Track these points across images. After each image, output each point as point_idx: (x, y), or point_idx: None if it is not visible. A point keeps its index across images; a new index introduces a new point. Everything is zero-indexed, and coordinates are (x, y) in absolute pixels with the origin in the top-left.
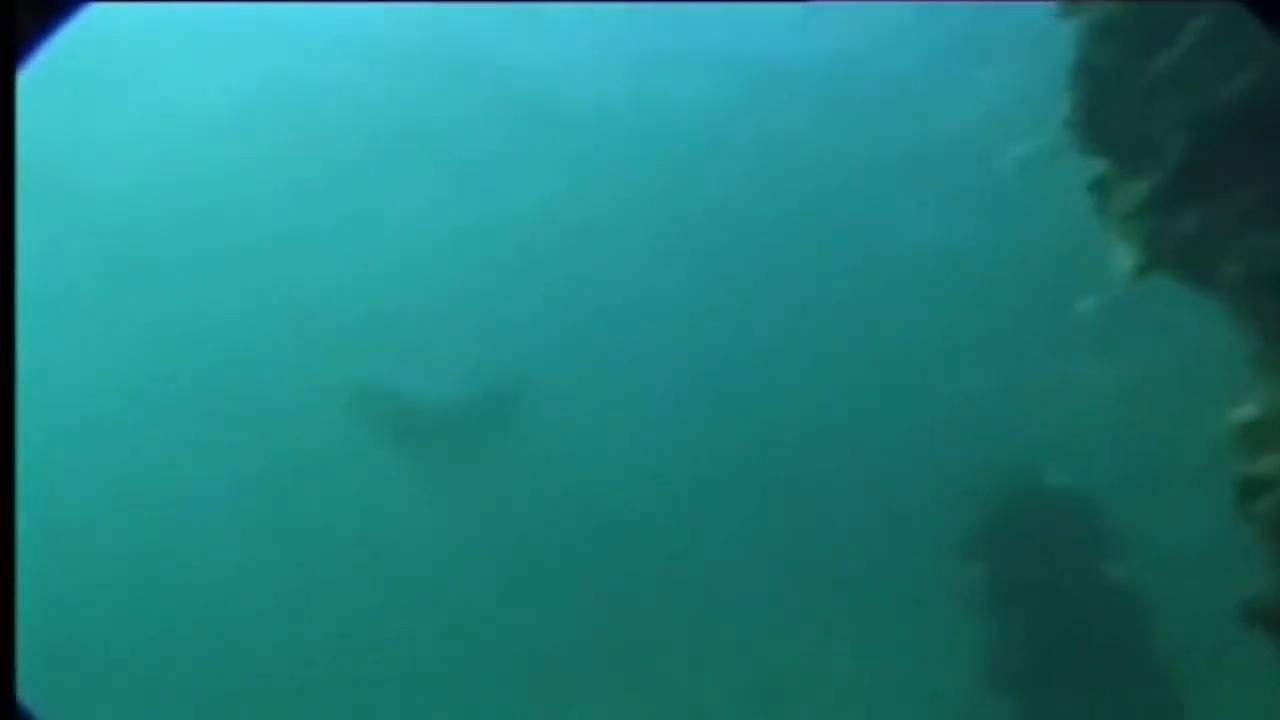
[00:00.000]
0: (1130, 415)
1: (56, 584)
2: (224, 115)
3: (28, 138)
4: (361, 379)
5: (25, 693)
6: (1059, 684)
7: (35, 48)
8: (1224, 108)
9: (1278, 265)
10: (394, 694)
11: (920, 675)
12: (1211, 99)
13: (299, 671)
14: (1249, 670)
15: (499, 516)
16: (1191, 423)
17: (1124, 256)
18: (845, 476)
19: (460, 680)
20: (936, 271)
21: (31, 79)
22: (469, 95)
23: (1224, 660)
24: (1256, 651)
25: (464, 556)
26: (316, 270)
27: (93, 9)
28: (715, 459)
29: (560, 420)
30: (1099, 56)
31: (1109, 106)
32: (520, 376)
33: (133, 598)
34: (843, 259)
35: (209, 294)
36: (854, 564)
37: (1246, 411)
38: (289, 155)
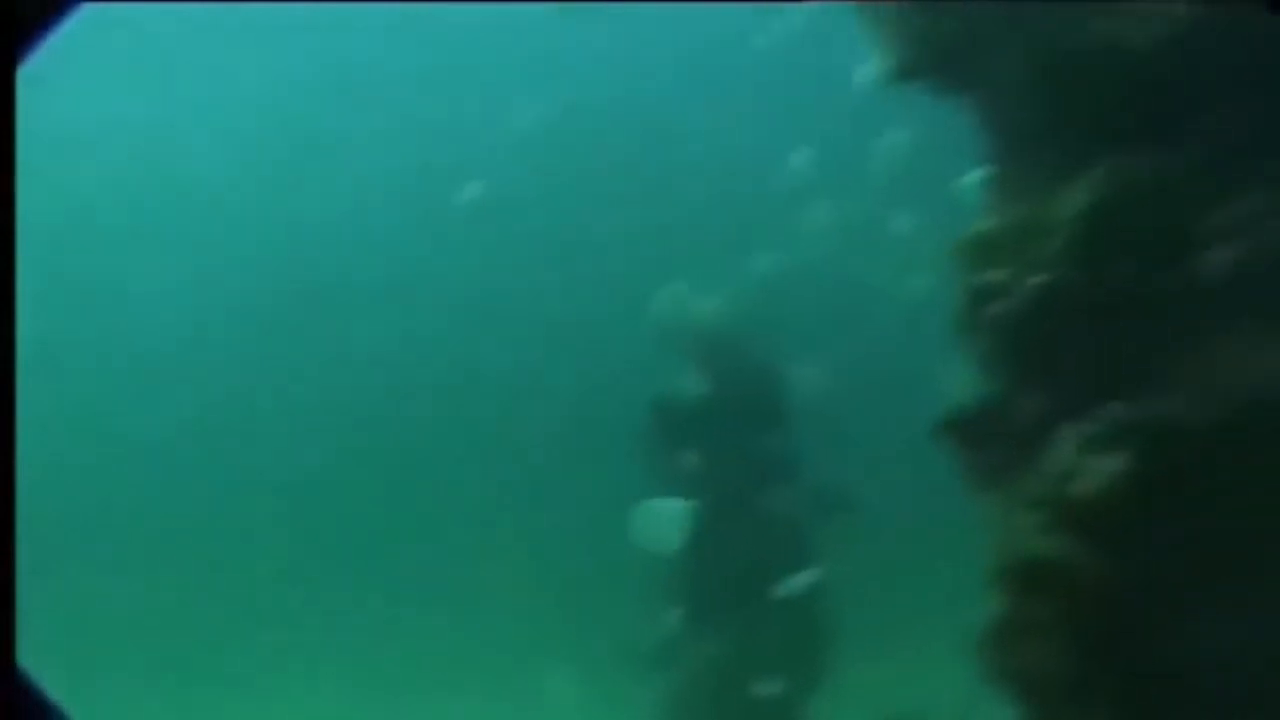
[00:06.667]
0: None
1: None
2: None
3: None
4: None
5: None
6: None
7: (36, 41)
8: None
9: (1045, 63)
10: None
11: None
12: None
13: None
14: None
15: None
16: None
17: (883, 57)
18: None
19: None
20: None
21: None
22: None
23: None
24: None
25: None
26: None
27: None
28: None
29: None
30: None
31: None
32: None
33: None
34: None
35: None
36: None
37: (982, 225)
38: None
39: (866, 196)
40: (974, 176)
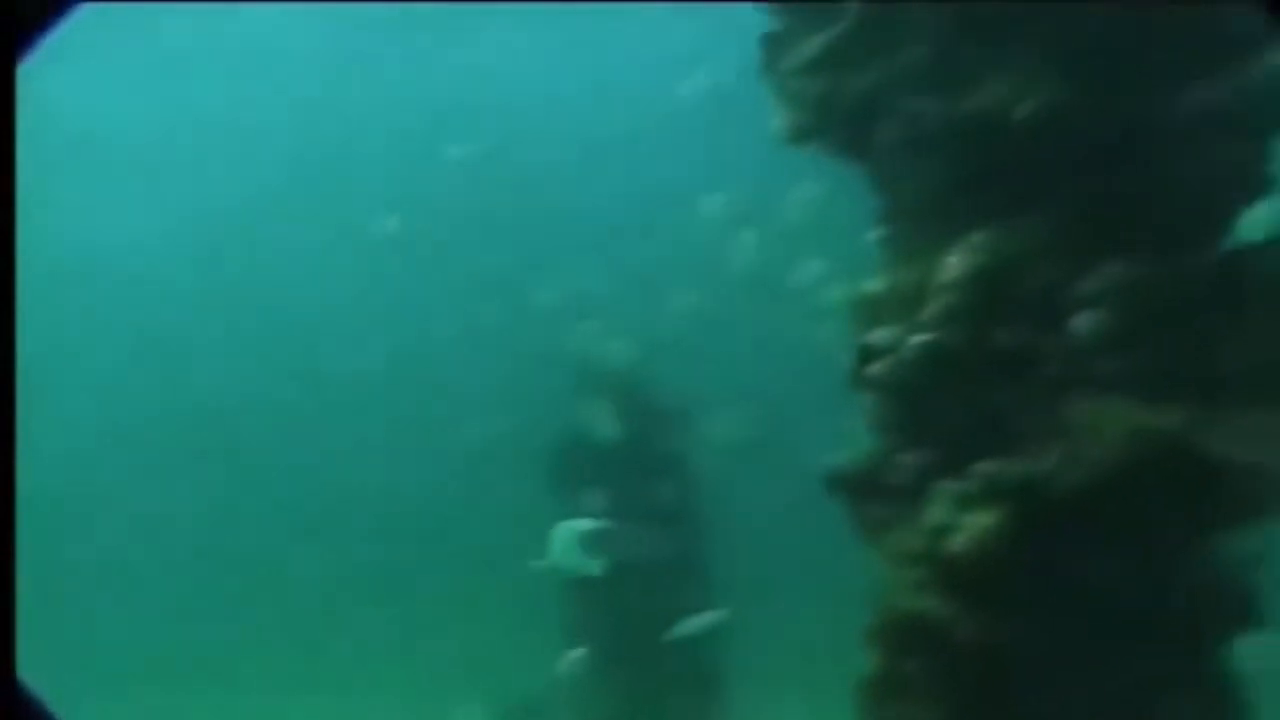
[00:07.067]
0: None
1: None
2: None
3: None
4: None
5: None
6: None
7: (36, 41)
8: None
9: (936, 127)
10: None
11: None
12: None
13: None
14: None
15: None
16: None
17: (783, 117)
18: None
19: None
20: None
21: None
22: None
23: None
24: None
25: None
26: None
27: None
28: None
29: None
30: None
31: None
32: None
33: None
34: None
35: None
36: None
37: (870, 285)
38: None
39: (780, 245)
40: (874, 234)
